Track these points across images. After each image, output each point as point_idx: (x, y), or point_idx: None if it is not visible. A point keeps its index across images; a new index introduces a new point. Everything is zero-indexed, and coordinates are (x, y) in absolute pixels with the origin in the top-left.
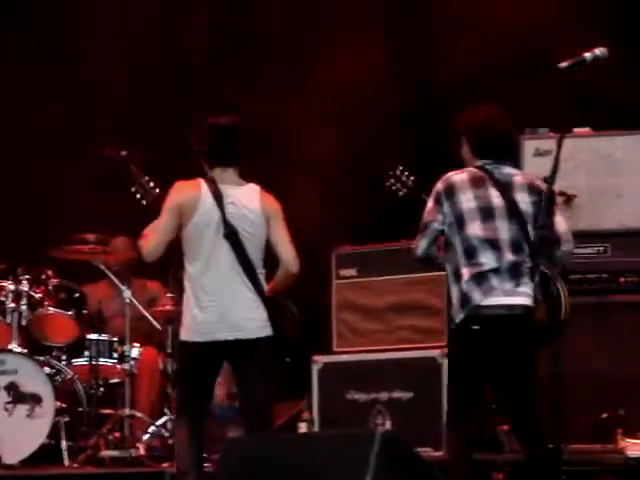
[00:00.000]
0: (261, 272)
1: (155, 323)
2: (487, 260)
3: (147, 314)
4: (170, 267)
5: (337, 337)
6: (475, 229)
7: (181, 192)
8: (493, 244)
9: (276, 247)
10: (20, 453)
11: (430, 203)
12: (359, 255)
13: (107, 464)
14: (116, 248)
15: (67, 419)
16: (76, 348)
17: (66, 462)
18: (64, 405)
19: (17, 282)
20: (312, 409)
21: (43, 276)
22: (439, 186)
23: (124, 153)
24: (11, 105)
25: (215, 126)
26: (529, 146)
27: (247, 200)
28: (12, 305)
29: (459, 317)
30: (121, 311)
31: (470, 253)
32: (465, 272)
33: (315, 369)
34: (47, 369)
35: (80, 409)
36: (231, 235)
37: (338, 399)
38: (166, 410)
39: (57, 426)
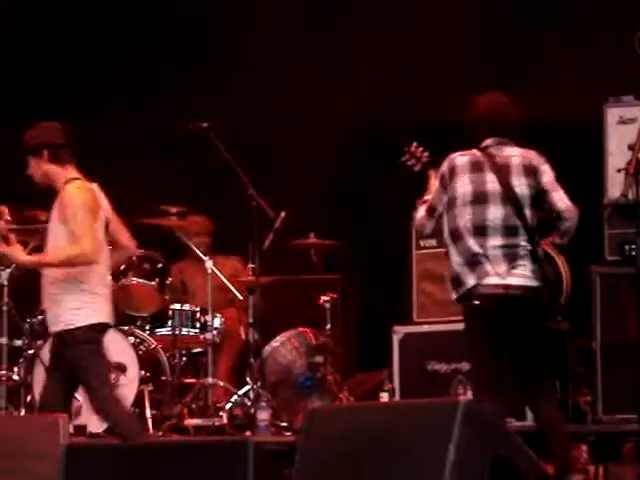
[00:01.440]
0: None
1: (237, 293)
2: (475, 244)
3: (229, 284)
4: (250, 238)
5: (417, 307)
6: (465, 213)
7: (90, 193)
8: (482, 229)
9: (118, 233)
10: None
11: (437, 185)
12: None
13: (191, 432)
14: (194, 225)
15: (151, 388)
16: (159, 318)
17: (150, 430)
18: (148, 374)
19: None
20: (393, 379)
21: None
22: (444, 168)
23: (205, 125)
24: None
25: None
26: (612, 114)
27: (100, 193)
28: None
29: (453, 294)
30: (203, 283)
31: (457, 235)
32: (453, 253)
33: (396, 339)
34: (131, 338)
35: (164, 378)
36: (107, 224)
37: (419, 369)
38: (248, 379)
39: (141, 395)
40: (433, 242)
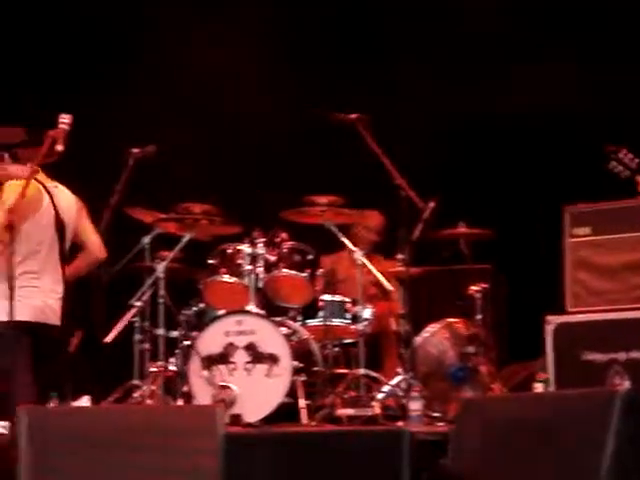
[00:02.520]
0: None
1: (387, 284)
2: None
3: (379, 275)
4: (397, 229)
5: (571, 297)
6: None
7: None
8: None
9: (82, 235)
10: (260, 412)
11: None
12: (594, 213)
13: (344, 422)
14: (367, 219)
15: (304, 378)
16: (310, 309)
17: (304, 420)
18: (301, 365)
19: (253, 245)
20: (547, 370)
21: (278, 239)
22: None
23: (354, 116)
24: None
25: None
26: None
27: (64, 194)
28: (249, 267)
29: None
30: (355, 275)
31: None
32: None
33: (549, 329)
34: (283, 329)
35: (316, 368)
36: (61, 228)
37: (573, 360)
38: (399, 370)
39: (294, 385)
40: (587, 230)
